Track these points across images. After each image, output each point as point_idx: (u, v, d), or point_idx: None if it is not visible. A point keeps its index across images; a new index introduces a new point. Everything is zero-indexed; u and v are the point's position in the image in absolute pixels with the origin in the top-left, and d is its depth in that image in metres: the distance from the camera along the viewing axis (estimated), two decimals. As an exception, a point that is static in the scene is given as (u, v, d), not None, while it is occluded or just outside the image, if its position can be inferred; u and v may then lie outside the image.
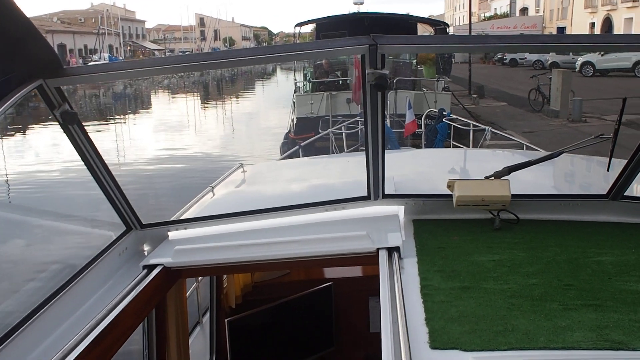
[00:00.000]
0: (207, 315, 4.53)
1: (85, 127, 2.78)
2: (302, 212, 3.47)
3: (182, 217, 3.78)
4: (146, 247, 3.35)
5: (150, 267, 2.97)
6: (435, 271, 2.69)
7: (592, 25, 62.13)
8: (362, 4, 25.79)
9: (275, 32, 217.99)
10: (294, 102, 20.22)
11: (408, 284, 2.56)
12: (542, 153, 6.56)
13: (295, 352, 4.30)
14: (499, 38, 2.62)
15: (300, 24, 24.46)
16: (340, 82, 20.56)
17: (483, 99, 30.32)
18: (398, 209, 3.46)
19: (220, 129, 32.27)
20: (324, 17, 24.18)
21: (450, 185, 3.26)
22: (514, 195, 3.17)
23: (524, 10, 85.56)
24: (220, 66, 2.76)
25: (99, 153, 2.90)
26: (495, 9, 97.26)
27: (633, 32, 50.99)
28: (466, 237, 3.10)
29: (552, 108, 23.73)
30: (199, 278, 4.72)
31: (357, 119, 13.47)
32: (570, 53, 41.53)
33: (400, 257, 2.83)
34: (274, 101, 40.91)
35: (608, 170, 3.23)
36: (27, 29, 2.26)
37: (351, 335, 4.54)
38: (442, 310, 2.31)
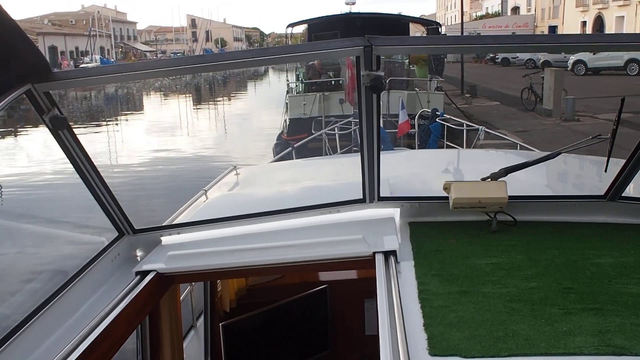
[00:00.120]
0: (201, 319, 4.49)
1: (77, 130, 2.74)
2: (297, 216, 3.43)
3: (175, 222, 3.74)
4: (139, 253, 3.31)
5: (144, 273, 2.93)
6: (433, 275, 2.65)
7: (584, 23, 62.36)
8: (353, 4, 25.76)
9: (267, 33, 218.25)
10: (287, 103, 20.18)
11: (405, 289, 2.52)
12: (537, 152, 6.55)
13: (291, 356, 4.27)
14: (495, 38, 2.58)
15: (292, 25, 24.44)
16: (333, 82, 20.53)
17: (476, 99, 30.33)
18: (394, 212, 3.42)
19: (212, 130, 32.18)
20: (316, 18, 24.16)
21: (446, 188, 3.23)
22: (510, 197, 3.14)
23: (516, 9, 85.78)
24: (213, 69, 2.71)
25: (89, 158, 2.86)
26: (487, 8, 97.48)
27: (625, 31, 51.23)
28: (463, 240, 3.07)
29: (544, 107, 23.75)
30: (193, 282, 4.68)
31: (350, 119, 13.44)
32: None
33: (397, 261, 2.80)
34: (267, 102, 40.86)
35: (606, 170, 3.21)
36: (15, 33, 2.21)
37: (347, 338, 4.51)
38: (440, 315, 2.28)
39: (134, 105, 49.90)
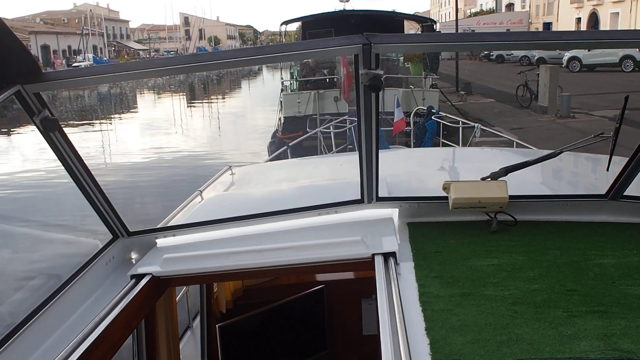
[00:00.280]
0: (198, 319, 4.45)
1: (70, 129, 2.68)
2: (294, 217, 3.38)
3: (170, 224, 3.69)
4: (134, 256, 3.26)
5: (139, 277, 2.89)
6: (434, 277, 2.61)
7: (578, 20, 62.50)
8: (347, 1, 25.73)
9: (260, 31, 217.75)
10: (281, 102, 20.15)
11: (406, 292, 2.48)
12: (535, 150, 6.51)
13: (289, 356, 4.24)
14: (498, 35, 2.53)
15: (286, 22, 24.38)
16: (327, 80, 20.48)
17: (471, 96, 30.33)
18: (392, 212, 3.38)
19: (207, 129, 32.13)
20: (310, 15, 24.09)
21: (445, 187, 3.18)
22: (510, 196, 3.10)
23: (510, 6, 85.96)
24: (208, 68, 2.65)
25: (82, 160, 2.80)
26: (481, 4, 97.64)
27: (619, 27, 51.34)
28: (463, 241, 3.02)
29: (540, 104, 23.76)
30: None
31: (345, 117, 13.40)
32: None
33: (396, 263, 2.75)
34: (261, 100, 40.76)
35: (608, 169, 3.16)
36: (4, 34, 2.16)
37: (344, 338, 4.48)
38: (442, 319, 2.23)
39: (128, 104, 49.73)
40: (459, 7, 37.41)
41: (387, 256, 2.78)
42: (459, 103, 25.34)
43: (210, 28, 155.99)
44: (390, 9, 34.77)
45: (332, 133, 12.12)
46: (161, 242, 3.33)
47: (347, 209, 3.40)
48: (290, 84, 22.05)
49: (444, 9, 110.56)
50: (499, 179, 3.22)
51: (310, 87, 19.98)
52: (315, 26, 22.78)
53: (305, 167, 6.18)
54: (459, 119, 12.67)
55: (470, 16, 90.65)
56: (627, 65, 38.18)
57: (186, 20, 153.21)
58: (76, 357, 2.22)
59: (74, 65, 73.96)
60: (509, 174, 3.27)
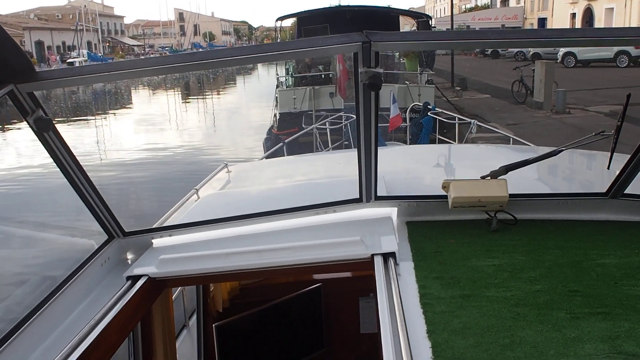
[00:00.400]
0: (194, 318, 4.42)
1: (64, 127, 2.64)
2: (292, 216, 3.34)
3: (166, 223, 3.65)
4: (130, 256, 3.22)
5: (135, 278, 2.85)
6: (434, 278, 2.57)
7: (573, 15, 62.47)
8: (343, -4, 25.71)
9: (255, 27, 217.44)
10: (277, 97, 20.09)
11: (406, 293, 2.44)
12: (533, 147, 6.49)
13: (286, 355, 4.21)
14: (500, 33, 2.50)
15: (281, 18, 24.39)
16: (323, 76, 20.43)
17: (466, 92, 30.28)
18: (391, 211, 3.35)
19: (202, 125, 32.04)
20: (305, 11, 24.08)
21: (445, 186, 3.14)
22: (510, 195, 3.06)
23: (505, 2, 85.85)
24: (205, 67, 2.60)
25: (76, 160, 2.75)
26: (477, 0, 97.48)
27: (614, 23, 51.38)
28: (463, 240, 2.99)
29: (535, 100, 23.73)
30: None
31: (340, 114, 13.37)
32: (552, 44, 41.65)
33: (396, 263, 2.72)
34: (256, 96, 40.70)
35: (608, 167, 3.13)
36: None
37: (342, 337, 4.45)
38: (444, 321, 2.20)
39: (122, 100, 49.55)
40: (454, 2, 37.28)
41: (386, 256, 2.75)
42: (454, 99, 25.30)
43: (205, 24, 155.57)
44: (385, 5, 34.74)
45: (328, 129, 12.09)
46: (157, 242, 3.29)
47: (345, 209, 3.36)
48: (286, 79, 22.01)
49: (439, 4, 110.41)
50: (499, 178, 3.19)
51: (305, 83, 19.93)
52: (311, 22, 22.78)
53: (302, 165, 6.14)
54: (455, 115, 12.66)
55: (465, 11, 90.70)
56: (622, 61, 38.19)
57: (181, 16, 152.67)
58: None
59: (68, 61, 73.70)
60: (509, 172, 3.24)
